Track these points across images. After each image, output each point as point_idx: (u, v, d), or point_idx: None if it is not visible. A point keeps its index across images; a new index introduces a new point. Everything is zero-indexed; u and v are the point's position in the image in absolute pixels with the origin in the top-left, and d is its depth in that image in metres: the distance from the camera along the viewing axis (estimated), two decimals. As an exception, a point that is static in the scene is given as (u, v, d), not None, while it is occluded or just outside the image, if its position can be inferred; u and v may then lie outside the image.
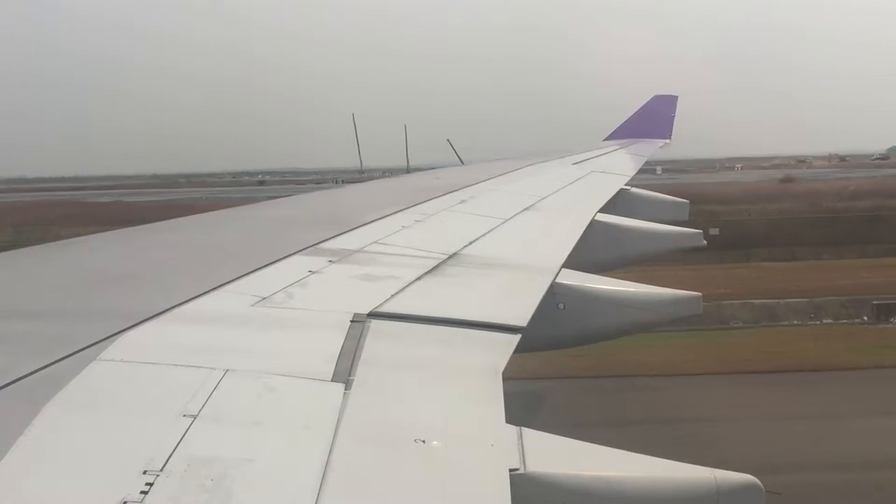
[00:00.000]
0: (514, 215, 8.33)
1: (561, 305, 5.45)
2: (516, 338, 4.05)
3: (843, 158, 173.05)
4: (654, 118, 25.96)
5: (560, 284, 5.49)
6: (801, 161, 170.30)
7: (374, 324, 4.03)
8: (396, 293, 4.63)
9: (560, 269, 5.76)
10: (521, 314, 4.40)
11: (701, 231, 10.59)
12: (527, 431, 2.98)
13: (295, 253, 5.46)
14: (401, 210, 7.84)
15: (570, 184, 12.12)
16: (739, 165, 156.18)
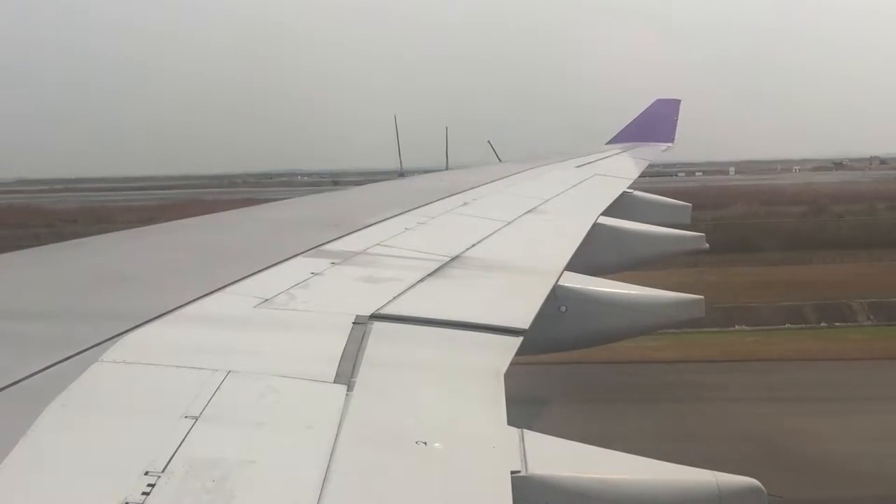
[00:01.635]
0: (517, 218, 8.33)
1: (563, 308, 5.44)
2: (518, 340, 4.04)
3: (883, 161, 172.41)
4: (656, 122, 25.94)
5: (562, 287, 5.48)
6: (837, 163, 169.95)
7: (377, 326, 4.03)
8: (399, 295, 4.63)
9: (562, 272, 5.75)
10: (524, 317, 4.40)
11: (703, 234, 10.57)
12: (528, 433, 2.98)
13: (297, 255, 5.47)
14: (403, 212, 7.84)
15: (573, 187, 12.12)
16: (797, 167, 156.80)
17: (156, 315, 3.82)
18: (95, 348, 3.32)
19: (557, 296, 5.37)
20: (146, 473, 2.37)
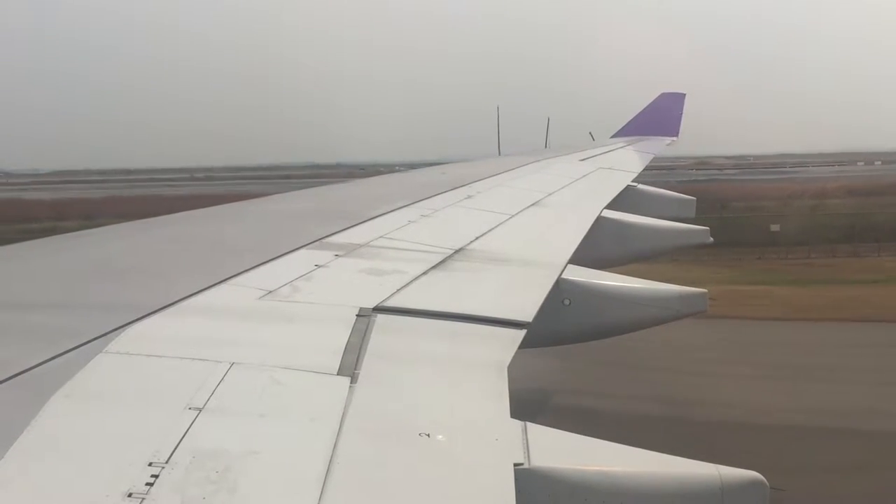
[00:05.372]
0: (521, 211, 8.32)
1: (567, 301, 5.44)
2: (522, 333, 4.04)
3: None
4: (661, 115, 25.90)
5: (566, 280, 5.48)
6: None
7: (380, 318, 4.03)
8: (402, 287, 4.63)
9: (566, 265, 5.75)
10: (527, 309, 4.40)
11: (708, 228, 10.55)
12: (531, 426, 2.98)
13: (301, 247, 5.47)
14: (407, 205, 7.83)
15: (577, 180, 12.10)
16: (879, 161, 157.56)
17: (159, 307, 3.83)
18: (99, 339, 3.33)
19: (561, 289, 5.37)
20: (150, 464, 2.37)
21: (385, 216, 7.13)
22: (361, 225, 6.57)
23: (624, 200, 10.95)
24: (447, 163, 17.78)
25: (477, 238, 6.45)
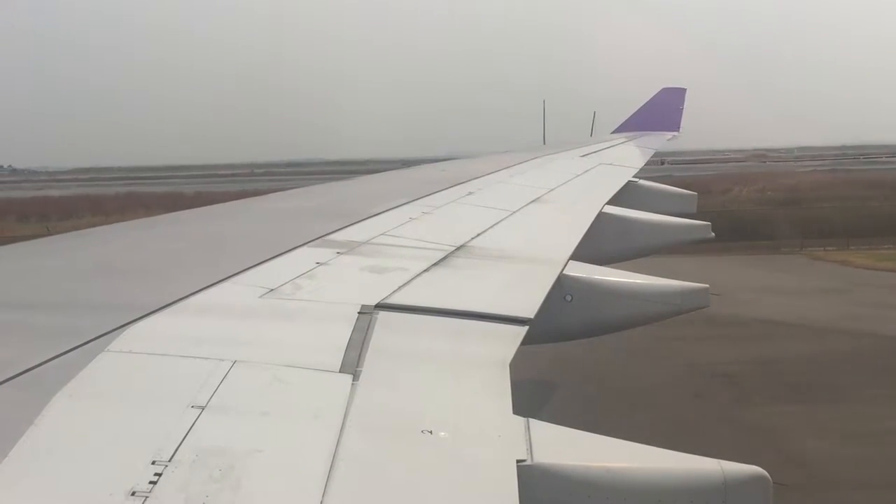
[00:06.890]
0: (522, 207, 8.32)
1: (568, 297, 5.44)
2: (524, 329, 4.04)
3: None
4: (662, 111, 25.89)
5: (568, 276, 5.48)
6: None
7: (382, 315, 4.03)
8: (404, 285, 4.63)
9: (568, 261, 5.75)
10: (529, 306, 4.40)
11: (709, 223, 10.55)
12: (534, 423, 2.98)
13: (302, 245, 5.47)
14: (408, 202, 7.83)
15: (578, 176, 12.10)
16: None
17: (162, 305, 3.83)
18: (102, 338, 3.33)
19: (563, 285, 5.37)
20: (153, 463, 2.38)
21: (386, 213, 7.13)
22: (362, 222, 6.57)
23: (625, 196, 10.95)
24: (451, 159, 17.77)
25: (478, 235, 6.46)
